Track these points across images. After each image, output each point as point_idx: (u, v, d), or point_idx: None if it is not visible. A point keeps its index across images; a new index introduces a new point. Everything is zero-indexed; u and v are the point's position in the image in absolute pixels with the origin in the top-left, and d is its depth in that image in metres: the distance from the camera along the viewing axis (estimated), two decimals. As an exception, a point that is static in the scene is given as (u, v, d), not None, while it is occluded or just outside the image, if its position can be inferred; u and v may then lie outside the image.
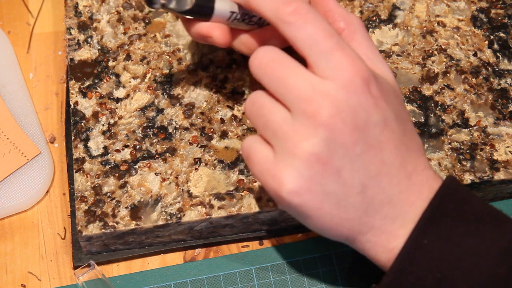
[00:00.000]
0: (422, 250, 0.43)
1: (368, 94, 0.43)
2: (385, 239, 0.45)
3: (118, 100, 0.59)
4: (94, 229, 0.53)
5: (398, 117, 0.45)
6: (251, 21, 0.52)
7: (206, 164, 0.56)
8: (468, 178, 0.56)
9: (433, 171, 0.47)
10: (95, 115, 0.58)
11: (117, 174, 0.56)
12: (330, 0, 0.49)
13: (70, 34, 0.61)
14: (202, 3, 0.50)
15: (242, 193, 0.55)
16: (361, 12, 0.63)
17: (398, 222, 0.45)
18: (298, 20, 0.43)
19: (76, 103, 0.59)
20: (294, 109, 0.43)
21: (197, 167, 0.56)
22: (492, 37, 0.62)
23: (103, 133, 0.57)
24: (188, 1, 0.49)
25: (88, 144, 0.57)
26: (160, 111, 0.58)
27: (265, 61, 0.44)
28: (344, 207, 0.44)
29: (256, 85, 0.59)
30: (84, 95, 0.59)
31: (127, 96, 0.59)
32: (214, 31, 0.51)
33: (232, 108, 0.58)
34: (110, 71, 0.60)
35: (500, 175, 0.56)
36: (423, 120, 0.58)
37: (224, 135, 0.57)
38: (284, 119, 0.44)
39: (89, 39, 0.61)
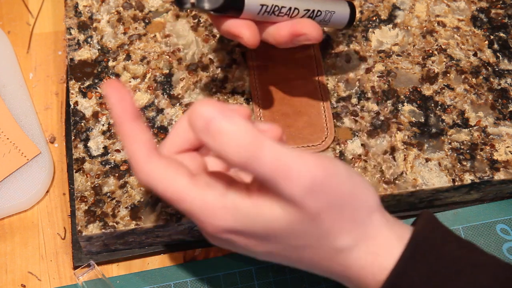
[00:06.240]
0: None
1: (230, 244, 0.45)
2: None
3: (118, 100, 0.59)
4: (94, 229, 0.53)
5: (288, 245, 0.44)
6: (281, 13, 0.51)
7: (206, 164, 0.56)
8: (468, 178, 0.56)
9: (358, 266, 0.44)
10: (95, 115, 0.58)
11: (117, 174, 0.56)
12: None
13: (70, 34, 0.61)
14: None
15: (242, 193, 0.55)
16: (361, 12, 0.63)
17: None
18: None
19: (76, 103, 0.59)
20: None
21: (197, 167, 0.56)
22: (492, 37, 0.62)
23: (103, 133, 0.57)
24: None
25: (88, 144, 0.57)
26: (160, 111, 0.58)
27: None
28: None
29: (256, 86, 0.59)
30: (84, 95, 0.59)
31: (127, 96, 0.59)
32: (244, 30, 0.50)
33: (232, 108, 0.58)
34: (110, 71, 0.60)
35: (500, 175, 0.56)
36: (423, 120, 0.58)
37: (224, 135, 0.57)
38: None
39: (89, 39, 0.61)
